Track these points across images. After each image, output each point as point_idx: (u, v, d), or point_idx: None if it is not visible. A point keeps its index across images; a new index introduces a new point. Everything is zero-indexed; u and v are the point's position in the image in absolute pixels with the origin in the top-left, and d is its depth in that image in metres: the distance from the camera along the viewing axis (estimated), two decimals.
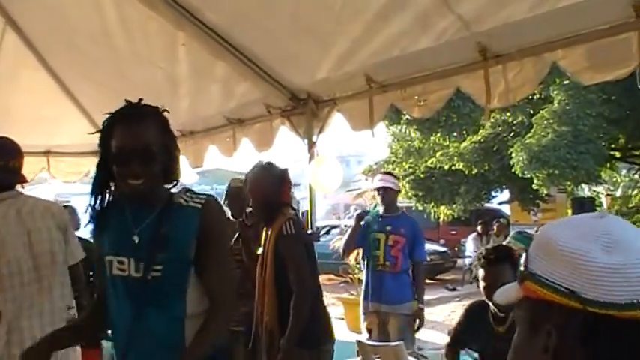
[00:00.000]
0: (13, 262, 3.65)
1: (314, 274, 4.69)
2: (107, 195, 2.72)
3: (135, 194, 2.59)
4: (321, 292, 4.82)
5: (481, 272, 4.03)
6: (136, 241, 2.60)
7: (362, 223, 6.94)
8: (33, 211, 3.84)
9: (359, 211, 6.90)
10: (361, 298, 7.06)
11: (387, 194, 6.92)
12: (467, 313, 4.36)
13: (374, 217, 6.97)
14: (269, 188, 4.67)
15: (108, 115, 2.66)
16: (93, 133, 2.75)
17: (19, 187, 3.97)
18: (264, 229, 4.76)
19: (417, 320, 6.72)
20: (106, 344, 5.78)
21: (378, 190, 6.96)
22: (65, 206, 7.49)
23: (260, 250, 4.77)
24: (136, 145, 2.52)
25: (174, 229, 2.58)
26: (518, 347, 1.35)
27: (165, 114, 2.68)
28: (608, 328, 1.17)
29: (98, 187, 2.72)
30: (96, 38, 6.76)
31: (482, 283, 4.01)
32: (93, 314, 2.93)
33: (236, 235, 5.46)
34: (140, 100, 2.66)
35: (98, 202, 2.72)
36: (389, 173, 7.60)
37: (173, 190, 2.74)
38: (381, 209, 6.98)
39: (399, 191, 7.17)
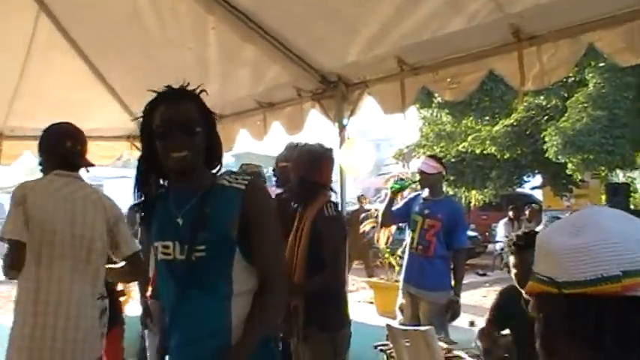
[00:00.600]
0: (51, 233, 3.73)
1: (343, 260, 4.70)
2: (153, 185, 2.75)
3: (178, 168, 2.60)
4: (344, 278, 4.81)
5: (511, 259, 3.98)
6: (180, 223, 2.62)
7: (398, 196, 6.94)
8: (85, 197, 3.93)
9: (394, 181, 6.81)
10: (401, 277, 7.02)
11: (424, 178, 6.80)
12: (501, 297, 4.31)
13: (417, 197, 6.93)
14: (308, 168, 4.68)
15: (148, 100, 2.70)
16: (135, 119, 2.75)
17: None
18: (300, 208, 4.76)
19: (449, 311, 6.47)
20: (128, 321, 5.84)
21: (419, 172, 6.83)
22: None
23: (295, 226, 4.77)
24: (178, 117, 2.57)
25: (216, 209, 2.58)
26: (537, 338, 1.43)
27: (203, 95, 2.71)
28: (585, 307, 1.24)
29: (143, 177, 2.75)
30: (127, 22, 6.78)
31: (512, 270, 3.97)
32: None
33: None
34: (182, 85, 2.69)
35: (144, 191, 2.76)
36: (432, 156, 7.46)
37: (217, 175, 2.75)
38: (425, 192, 6.84)
39: (442, 175, 7.00)
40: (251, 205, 2.60)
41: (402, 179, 6.89)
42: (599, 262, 1.22)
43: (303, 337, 4.56)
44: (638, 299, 1.22)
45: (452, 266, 6.69)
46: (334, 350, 4.54)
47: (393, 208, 6.96)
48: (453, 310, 6.49)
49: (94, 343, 3.93)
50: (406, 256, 6.87)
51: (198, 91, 2.69)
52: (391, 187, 6.85)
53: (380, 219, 7.03)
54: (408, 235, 6.90)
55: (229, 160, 17.24)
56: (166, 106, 2.60)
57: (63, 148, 3.99)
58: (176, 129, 2.54)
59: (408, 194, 7.17)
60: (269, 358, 2.70)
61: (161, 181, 2.77)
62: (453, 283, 6.64)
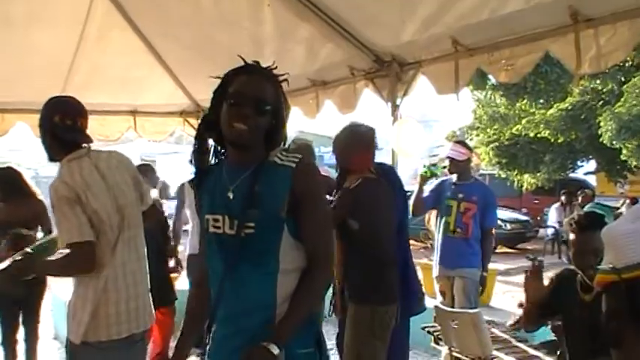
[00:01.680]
0: (107, 219, 3.72)
1: (381, 235, 4.69)
2: (210, 154, 2.76)
3: (235, 139, 2.61)
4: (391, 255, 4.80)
5: (572, 237, 3.96)
6: (231, 197, 2.63)
7: (429, 182, 6.96)
8: (109, 165, 3.90)
9: (424, 169, 6.80)
10: (433, 262, 7.08)
11: (453, 165, 6.87)
12: (556, 279, 4.27)
13: (445, 182, 6.99)
14: (345, 155, 4.72)
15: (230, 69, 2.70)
16: (215, 77, 2.74)
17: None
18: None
19: (481, 287, 6.77)
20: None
21: (448, 159, 6.90)
22: (146, 164, 7.60)
23: None
24: (253, 91, 2.59)
25: (267, 187, 2.59)
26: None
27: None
28: None
29: (201, 139, 2.76)
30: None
31: (572, 249, 3.96)
32: (200, 289, 2.92)
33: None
34: (269, 66, 2.71)
35: (201, 161, 2.77)
36: (461, 142, 7.48)
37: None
38: (454, 177, 6.94)
39: (470, 160, 7.07)
40: (301, 184, 2.61)
41: (433, 165, 6.83)
42: None
43: (341, 310, 4.60)
44: None
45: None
46: (371, 325, 4.52)
47: (423, 196, 6.99)
48: (482, 285, 6.78)
49: (151, 306, 4.02)
50: (441, 241, 6.92)
51: (282, 77, 2.71)
52: (421, 174, 6.82)
53: (410, 208, 7.02)
54: (439, 220, 6.94)
55: None
56: (247, 78, 2.62)
57: (51, 124, 3.84)
58: (247, 101, 2.56)
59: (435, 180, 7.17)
60: (314, 336, 2.71)
61: (216, 150, 2.77)
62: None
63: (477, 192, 6.88)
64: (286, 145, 2.78)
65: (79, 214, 3.60)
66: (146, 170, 7.27)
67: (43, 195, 6.07)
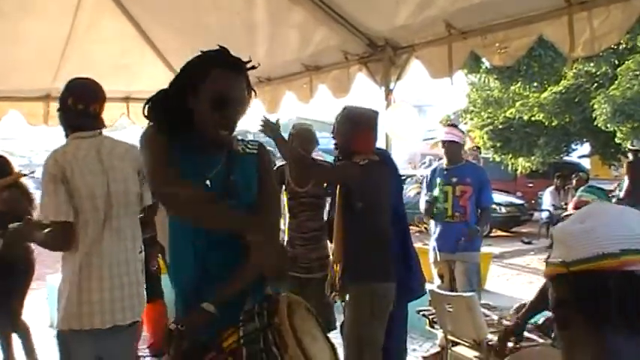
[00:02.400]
0: (90, 199, 3.74)
1: (381, 216, 4.70)
2: (176, 135, 2.69)
3: (220, 143, 2.68)
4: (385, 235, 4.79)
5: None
6: (208, 185, 2.68)
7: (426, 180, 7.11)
8: (112, 151, 3.91)
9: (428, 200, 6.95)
10: (430, 248, 7.12)
11: (452, 147, 6.95)
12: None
13: (435, 170, 7.16)
14: (348, 136, 4.69)
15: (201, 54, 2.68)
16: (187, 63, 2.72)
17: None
18: None
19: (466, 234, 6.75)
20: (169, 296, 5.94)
21: (443, 142, 6.97)
22: None
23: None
24: (240, 96, 2.64)
25: (241, 177, 2.71)
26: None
27: (239, 56, 2.71)
28: (590, 283, 1.37)
29: (169, 123, 2.70)
30: None
31: None
32: None
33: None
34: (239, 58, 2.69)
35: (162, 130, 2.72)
36: (454, 126, 7.52)
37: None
38: (444, 162, 7.01)
39: (464, 144, 7.15)
40: (263, 167, 2.81)
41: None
42: (600, 241, 1.37)
43: (340, 287, 4.61)
44: (637, 275, 1.35)
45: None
46: (371, 305, 4.53)
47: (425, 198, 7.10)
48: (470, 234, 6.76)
49: (141, 298, 4.02)
50: (439, 227, 6.96)
51: (250, 64, 2.69)
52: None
53: (425, 213, 7.13)
54: (437, 206, 6.97)
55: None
56: (228, 76, 2.61)
57: (64, 106, 3.92)
58: (234, 106, 2.61)
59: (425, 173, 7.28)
60: (261, 295, 2.72)
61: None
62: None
63: (470, 173, 6.94)
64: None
65: (60, 193, 3.67)
66: None
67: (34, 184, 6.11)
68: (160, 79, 8.79)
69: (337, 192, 4.72)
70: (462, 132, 7.33)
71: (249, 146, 2.81)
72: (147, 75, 8.62)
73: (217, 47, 2.65)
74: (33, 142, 32.84)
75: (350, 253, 4.61)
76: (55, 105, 8.49)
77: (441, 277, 6.90)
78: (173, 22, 7.65)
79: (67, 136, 3.95)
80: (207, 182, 2.66)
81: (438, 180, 6.95)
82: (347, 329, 4.63)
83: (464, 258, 6.72)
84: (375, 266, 4.58)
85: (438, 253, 6.93)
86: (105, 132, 4.05)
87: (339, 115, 4.83)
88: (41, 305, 8.87)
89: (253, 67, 2.69)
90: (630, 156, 13.63)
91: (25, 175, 6.30)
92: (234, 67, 2.63)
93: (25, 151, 32.70)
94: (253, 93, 2.78)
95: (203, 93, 2.59)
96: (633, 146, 14.40)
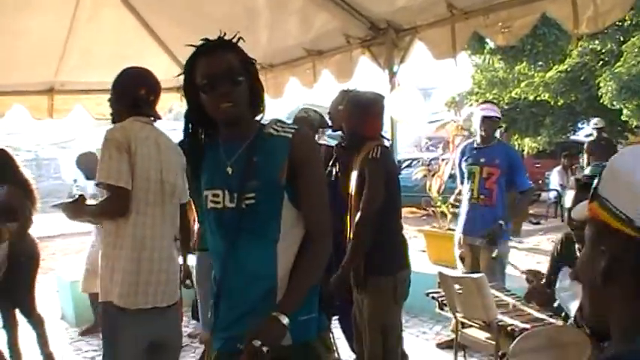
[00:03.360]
0: (146, 180, 3.78)
1: (397, 205, 4.67)
2: (201, 135, 2.78)
3: (227, 118, 2.64)
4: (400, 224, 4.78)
5: (569, 194, 3.98)
6: (230, 172, 2.67)
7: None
8: (167, 143, 3.98)
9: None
10: (456, 229, 6.97)
11: (491, 124, 6.69)
12: (561, 243, 4.26)
13: (465, 147, 6.89)
14: (358, 120, 4.63)
15: (188, 56, 2.71)
16: (178, 75, 2.79)
17: None
18: (356, 156, 4.73)
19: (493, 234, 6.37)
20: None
21: (483, 118, 6.65)
22: None
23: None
24: (220, 69, 2.59)
25: (265, 157, 2.64)
26: (580, 263, 1.39)
27: (241, 43, 2.71)
28: None
29: (192, 131, 2.78)
30: None
31: (567, 204, 3.98)
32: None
33: (332, 160, 5.47)
34: (219, 36, 2.69)
35: (193, 145, 2.80)
36: (491, 102, 7.36)
37: (264, 122, 2.77)
38: (476, 140, 6.79)
39: (500, 119, 6.95)
40: (298, 153, 2.65)
41: None
42: None
43: (364, 284, 4.58)
44: None
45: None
46: (394, 293, 4.54)
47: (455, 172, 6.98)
48: (497, 233, 6.39)
49: (176, 285, 4.05)
50: (465, 208, 6.75)
51: (235, 39, 2.69)
52: None
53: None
54: (464, 187, 6.81)
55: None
56: (207, 59, 2.62)
57: (136, 94, 3.98)
58: (220, 80, 2.57)
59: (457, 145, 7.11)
60: (314, 302, 2.74)
61: (207, 132, 2.79)
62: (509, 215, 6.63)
63: (500, 155, 6.59)
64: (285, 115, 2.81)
65: (124, 161, 3.69)
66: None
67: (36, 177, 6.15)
68: (163, 69, 8.79)
69: (354, 188, 4.64)
70: (499, 107, 7.13)
71: (286, 129, 2.71)
72: (150, 66, 8.51)
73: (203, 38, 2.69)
74: (39, 137, 32.91)
75: (371, 247, 4.57)
76: (60, 98, 8.60)
77: (462, 259, 6.69)
78: (173, 10, 7.63)
79: (115, 121, 4.00)
80: (229, 168, 2.66)
81: (468, 159, 6.71)
82: (370, 318, 4.59)
83: (487, 245, 6.40)
84: (395, 256, 4.58)
85: (462, 236, 6.71)
86: (109, 124, 4.09)
87: (345, 100, 4.80)
88: (51, 298, 8.90)
89: (239, 39, 2.69)
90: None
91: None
92: (214, 49, 2.64)
93: (31, 145, 32.74)
94: (255, 66, 2.76)
95: (198, 84, 2.63)
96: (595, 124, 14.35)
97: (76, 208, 4.07)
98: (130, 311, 3.73)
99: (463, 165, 6.80)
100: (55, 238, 15.44)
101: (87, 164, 7.76)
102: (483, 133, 6.67)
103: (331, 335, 2.93)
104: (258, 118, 2.76)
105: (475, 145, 6.74)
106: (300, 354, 2.64)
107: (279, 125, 2.72)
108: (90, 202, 4.13)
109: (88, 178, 7.95)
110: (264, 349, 2.36)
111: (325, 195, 2.77)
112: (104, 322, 4.01)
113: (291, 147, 2.65)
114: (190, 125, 2.78)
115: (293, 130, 2.70)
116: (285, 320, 2.45)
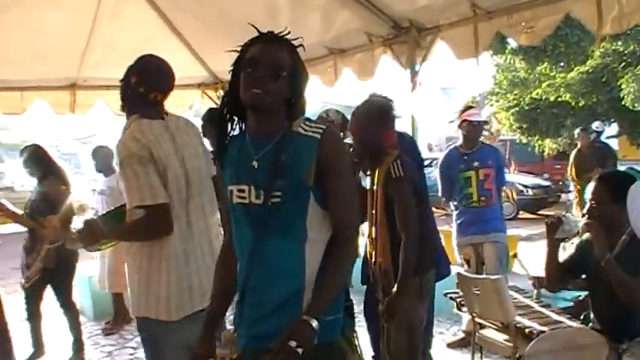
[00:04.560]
0: (175, 180, 3.63)
1: (424, 208, 4.66)
2: (232, 125, 2.77)
3: (252, 103, 2.61)
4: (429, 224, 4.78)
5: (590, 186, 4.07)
6: (255, 166, 2.65)
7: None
8: (178, 127, 3.81)
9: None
10: (454, 232, 7.01)
11: (471, 129, 6.73)
12: (583, 242, 4.24)
13: (450, 156, 6.95)
14: (368, 130, 4.48)
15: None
16: (231, 50, 2.72)
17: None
18: (372, 167, 4.64)
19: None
20: None
21: (471, 123, 6.70)
22: None
23: (369, 187, 4.72)
24: (268, 57, 2.59)
25: (292, 157, 2.62)
26: None
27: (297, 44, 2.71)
28: None
29: (225, 112, 2.77)
30: None
31: (574, 197, 4.06)
32: (226, 261, 2.91)
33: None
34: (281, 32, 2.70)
35: (224, 131, 2.78)
36: (472, 107, 7.41)
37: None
38: (461, 146, 6.84)
39: (485, 123, 7.12)
40: (327, 153, 2.63)
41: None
42: None
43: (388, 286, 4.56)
44: None
45: None
46: (420, 293, 4.54)
47: (442, 187, 7.07)
48: None
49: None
50: (462, 213, 6.84)
51: (297, 43, 2.70)
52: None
53: (444, 198, 7.13)
54: (458, 194, 6.85)
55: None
56: (262, 46, 2.62)
57: (134, 90, 3.74)
58: (262, 66, 2.57)
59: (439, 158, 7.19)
60: (341, 303, 2.74)
61: (238, 124, 2.78)
62: None
63: (491, 156, 6.85)
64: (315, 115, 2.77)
65: (151, 174, 3.49)
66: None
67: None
68: (185, 65, 8.85)
69: (380, 196, 4.58)
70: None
71: (314, 129, 2.67)
72: (171, 62, 8.55)
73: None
74: (60, 132, 33.09)
75: (397, 254, 4.49)
76: (82, 94, 8.66)
77: (467, 262, 6.77)
78: (195, 7, 7.64)
79: (130, 115, 3.78)
80: (255, 163, 2.65)
81: (459, 166, 6.75)
82: (397, 318, 4.57)
83: (493, 239, 6.63)
84: (420, 259, 4.49)
85: (462, 237, 6.82)
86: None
87: (359, 107, 4.70)
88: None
89: (292, 42, 2.69)
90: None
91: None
92: (274, 40, 2.65)
93: (52, 140, 32.89)
94: (306, 72, 2.77)
95: (243, 60, 2.63)
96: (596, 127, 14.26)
97: (90, 233, 3.67)
98: (173, 322, 3.61)
99: (453, 173, 6.83)
100: None
101: (102, 158, 7.98)
102: (471, 138, 6.77)
103: (355, 335, 2.90)
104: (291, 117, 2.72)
105: (462, 151, 6.82)
106: (325, 353, 2.62)
107: (307, 124, 2.70)
108: (98, 202, 3.84)
109: (99, 170, 8.05)
110: (300, 350, 2.35)
111: (353, 196, 2.75)
112: (146, 338, 3.79)
113: (320, 147, 2.63)
114: (225, 106, 2.76)
115: (321, 130, 2.67)
116: (315, 323, 2.44)
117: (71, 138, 34.74)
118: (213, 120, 5.48)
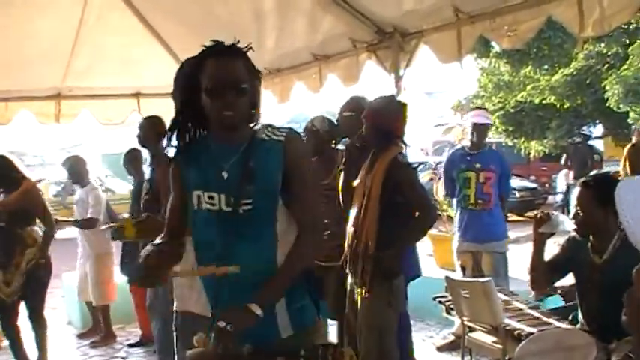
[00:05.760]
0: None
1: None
2: (191, 131, 2.78)
3: (228, 126, 2.66)
4: None
5: (575, 192, 4.09)
6: (225, 177, 2.68)
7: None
8: None
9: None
10: (455, 236, 7.02)
11: (484, 130, 6.83)
12: (569, 241, 4.26)
13: (455, 155, 7.02)
14: (388, 118, 4.69)
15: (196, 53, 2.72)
16: (180, 68, 2.78)
17: None
18: (372, 156, 4.76)
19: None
20: None
21: (475, 125, 6.82)
22: (134, 150, 7.31)
23: (360, 175, 4.81)
24: (231, 78, 2.61)
25: (260, 163, 2.67)
26: None
27: (250, 53, 2.72)
28: None
29: (182, 122, 2.78)
30: None
31: (573, 202, 4.09)
32: (173, 240, 2.86)
33: (343, 161, 5.47)
34: (232, 43, 2.71)
35: (182, 137, 2.79)
36: (483, 108, 7.43)
37: (255, 128, 2.80)
38: (467, 146, 6.91)
39: (491, 126, 7.05)
40: (291, 158, 2.71)
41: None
42: None
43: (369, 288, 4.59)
44: None
45: None
46: (389, 298, 4.59)
47: (443, 186, 7.07)
48: None
49: None
50: (461, 215, 6.84)
51: (246, 49, 2.71)
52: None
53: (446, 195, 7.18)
54: (457, 194, 6.87)
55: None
56: (217, 63, 2.63)
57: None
58: (227, 88, 2.59)
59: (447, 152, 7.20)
60: (307, 290, 2.81)
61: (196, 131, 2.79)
62: None
63: (495, 160, 6.82)
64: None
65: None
66: (134, 158, 7.27)
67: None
68: (169, 72, 8.71)
69: (378, 188, 4.62)
70: (489, 114, 7.25)
71: (277, 133, 2.74)
72: (156, 69, 8.61)
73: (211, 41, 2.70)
74: (45, 141, 32.95)
75: (384, 238, 4.56)
76: (67, 103, 8.63)
77: (463, 269, 6.77)
78: (180, 13, 7.63)
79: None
80: (224, 173, 2.68)
81: (461, 166, 6.79)
82: (365, 319, 4.64)
83: (489, 248, 6.61)
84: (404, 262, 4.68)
85: (461, 243, 6.81)
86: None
87: (378, 100, 4.87)
88: (58, 303, 8.91)
89: (249, 49, 2.71)
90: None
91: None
92: (225, 54, 2.65)
93: (37, 150, 32.73)
94: (260, 76, 2.81)
95: (202, 85, 2.63)
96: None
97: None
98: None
99: (454, 172, 6.86)
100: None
101: (74, 167, 7.81)
102: (475, 140, 6.83)
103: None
104: (251, 125, 2.78)
105: (467, 152, 6.85)
106: (301, 339, 2.70)
107: (270, 130, 2.76)
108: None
109: (74, 182, 8.00)
110: (229, 327, 2.40)
111: (316, 196, 2.91)
112: (182, 332, 4.01)
113: (284, 150, 2.70)
114: (181, 122, 2.77)
115: (284, 134, 2.75)
116: (258, 310, 2.49)
117: (56, 148, 34.60)
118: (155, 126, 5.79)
